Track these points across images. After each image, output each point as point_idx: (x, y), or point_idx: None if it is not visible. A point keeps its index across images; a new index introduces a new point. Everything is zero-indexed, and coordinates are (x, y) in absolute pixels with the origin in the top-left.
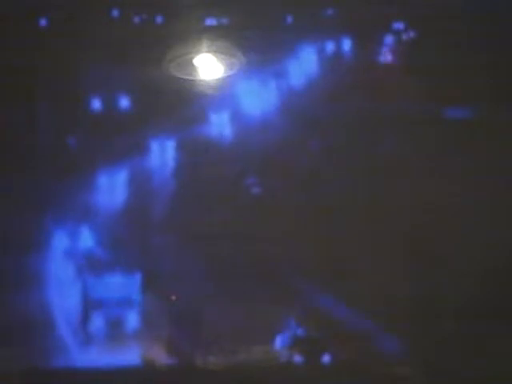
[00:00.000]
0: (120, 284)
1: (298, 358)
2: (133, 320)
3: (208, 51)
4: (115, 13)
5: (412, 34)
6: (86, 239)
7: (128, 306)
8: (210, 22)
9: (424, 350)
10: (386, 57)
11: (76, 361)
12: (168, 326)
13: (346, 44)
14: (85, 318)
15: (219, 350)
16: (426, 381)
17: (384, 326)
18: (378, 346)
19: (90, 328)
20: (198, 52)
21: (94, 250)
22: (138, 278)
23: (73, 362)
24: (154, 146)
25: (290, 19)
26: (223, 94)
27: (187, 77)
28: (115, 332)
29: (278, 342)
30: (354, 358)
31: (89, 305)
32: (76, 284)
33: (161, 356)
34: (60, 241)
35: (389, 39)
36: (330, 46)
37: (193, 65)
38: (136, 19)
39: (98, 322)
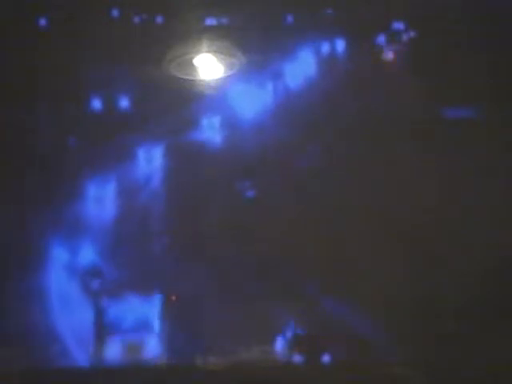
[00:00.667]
0: (136, 305)
1: (297, 358)
2: (152, 344)
3: (208, 51)
4: (115, 13)
5: (412, 34)
6: (89, 251)
7: (146, 329)
8: (210, 21)
9: (424, 350)
10: (386, 57)
11: (76, 361)
12: (168, 325)
13: (346, 44)
14: (100, 342)
15: (219, 349)
16: (426, 381)
17: (384, 326)
18: (378, 346)
19: (106, 353)
20: (197, 52)
21: (101, 266)
22: (155, 298)
23: (73, 362)
24: (153, 147)
25: (290, 19)
26: (222, 94)
27: (187, 77)
28: (133, 357)
29: (278, 342)
30: (354, 358)
31: (103, 328)
32: (85, 303)
33: (161, 356)
34: (61, 252)
35: (389, 39)
36: (329, 46)
37: (193, 65)
38: (136, 19)
39: (114, 347)
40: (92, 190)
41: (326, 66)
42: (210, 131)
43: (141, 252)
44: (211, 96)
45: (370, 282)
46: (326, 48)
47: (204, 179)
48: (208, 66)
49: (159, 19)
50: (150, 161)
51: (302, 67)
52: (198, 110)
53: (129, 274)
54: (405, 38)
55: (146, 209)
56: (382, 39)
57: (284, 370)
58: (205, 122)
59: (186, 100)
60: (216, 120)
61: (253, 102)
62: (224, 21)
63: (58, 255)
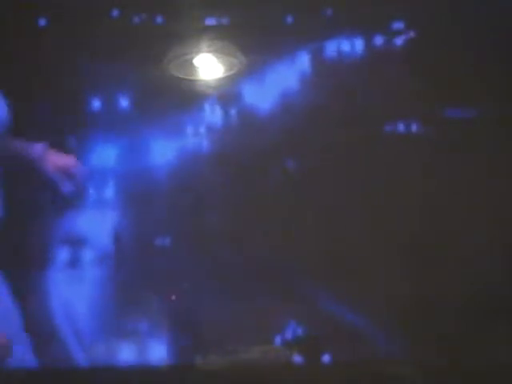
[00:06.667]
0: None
1: (297, 358)
2: (151, 344)
3: (208, 51)
4: (115, 13)
5: (412, 34)
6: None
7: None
8: (210, 21)
9: (424, 350)
10: (386, 57)
11: (76, 360)
12: (167, 325)
13: (346, 44)
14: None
15: (219, 349)
16: (426, 381)
17: (384, 325)
18: (378, 346)
19: (106, 352)
20: (198, 52)
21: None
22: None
23: (73, 362)
24: (152, 147)
25: (290, 19)
26: (222, 94)
27: (187, 77)
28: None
29: (278, 341)
30: (354, 358)
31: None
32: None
33: (161, 356)
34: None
35: (388, 39)
36: (329, 46)
37: (193, 65)
38: (136, 19)
39: (114, 346)
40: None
41: (325, 66)
42: (210, 130)
43: (141, 251)
44: (211, 96)
45: (371, 281)
46: (324, 48)
47: (204, 178)
48: (208, 66)
49: (159, 19)
50: (150, 159)
51: (301, 67)
52: (197, 110)
53: (129, 275)
54: (405, 37)
55: (148, 204)
56: (381, 39)
57: (284, 370)
58: (205, 120)
59: (186, 100)
60: (215, 119)
61: (251, 102)
62: (224, 21)
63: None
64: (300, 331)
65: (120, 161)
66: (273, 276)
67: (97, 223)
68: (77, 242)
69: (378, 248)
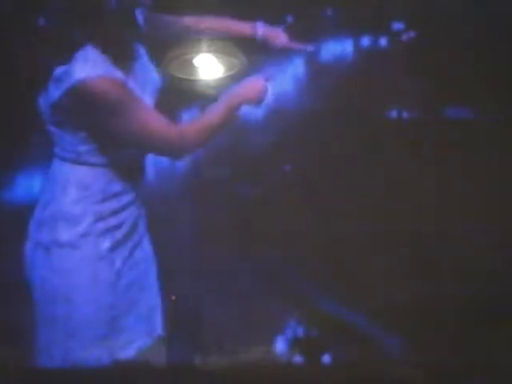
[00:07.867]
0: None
1: (297, 358)
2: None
3: (208, 51)
4: None
5: (412, 34)
6: None
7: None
8: None
9: (424, 350)
10: (386, 57)
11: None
12: (167, 325)
13: (346, 44)
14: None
15: (219, 350)
16: (426, 381)
17: (384, 325)
18: (378, 346)
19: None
20: (197, 52)
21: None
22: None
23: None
24: None
25: (290, 19)
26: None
27: (187, 77)
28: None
29: (278, 341)
30: (354, 358)
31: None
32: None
33: (161, 356)
34: None
35: (389, 39)
36: (329, 46)
37: (193, 65)
38: None
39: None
40: None
41: (324, 66)
42: None
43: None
44: (212, 96)
45: (371, 281)
46: (324, 48)
47: (205, 178)
48: (208, 66)
49: None
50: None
51: (300, 67)
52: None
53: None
54: (405, 37)
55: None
56: (381, 39)
57: (284, 370)
58: None
59: (186, 100)
60: None
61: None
62: None
63: None
64: (300, 331)
65: None
66: (273, 276)
67: None
68: None
69: (378, 248)
